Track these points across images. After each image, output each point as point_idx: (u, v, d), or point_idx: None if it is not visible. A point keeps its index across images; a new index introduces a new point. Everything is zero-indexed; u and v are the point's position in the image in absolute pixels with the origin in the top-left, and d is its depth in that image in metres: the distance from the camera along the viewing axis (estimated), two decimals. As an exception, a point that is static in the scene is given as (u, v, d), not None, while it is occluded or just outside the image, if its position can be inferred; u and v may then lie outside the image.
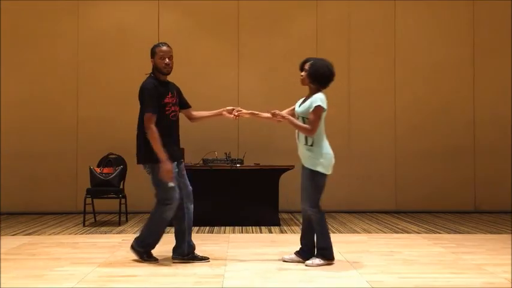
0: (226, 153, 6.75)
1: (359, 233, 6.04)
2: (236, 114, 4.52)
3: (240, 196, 6.52)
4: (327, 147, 4.24)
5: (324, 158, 4.20)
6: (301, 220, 6.95)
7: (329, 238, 4.27)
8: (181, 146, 6.88)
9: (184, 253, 4.31)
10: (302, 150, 4.29)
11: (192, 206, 4.41)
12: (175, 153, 4.27)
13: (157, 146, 4.08)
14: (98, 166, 6.70)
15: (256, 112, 4.62)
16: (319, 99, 4.19)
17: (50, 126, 7.86)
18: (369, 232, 6.07)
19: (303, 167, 4.31)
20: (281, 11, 8.13)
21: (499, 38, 8.15)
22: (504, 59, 8.13)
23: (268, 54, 8.10)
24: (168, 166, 4.08)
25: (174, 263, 4.28)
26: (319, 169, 4.19)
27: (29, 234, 5.89)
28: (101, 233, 5.99)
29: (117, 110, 7.76)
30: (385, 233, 6.03)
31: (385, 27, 8.18)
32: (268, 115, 4.43)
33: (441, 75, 8.17)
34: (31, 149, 7.81)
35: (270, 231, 6.11)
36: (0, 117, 7.84)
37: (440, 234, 5.88)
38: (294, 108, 4.47)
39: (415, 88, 8.15)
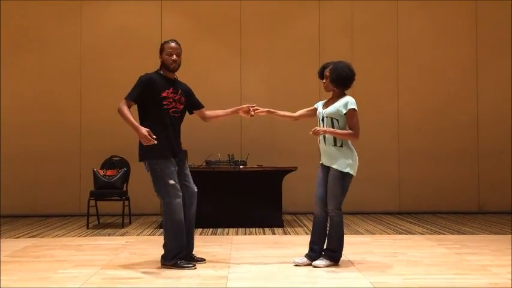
0: (229, 155, 6.75)
1: (362, 234, 6.03)
2: (253, 114, 4.51)
3: (243, 198, 6.51)
4: (353, 147, 4.28)
5: (353, 159, 4.23)
6: (304, 222, 7.01)
7: (343, 243, 4.26)
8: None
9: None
10: (330, 151, 4.23)
11: (194, 207, 4.36)
12: (174, 148, 4.23)
13: (127, 119, 4.06)
14: (102, 168, 6.72)
15: (273, 110, 4.63)
16: (352, 103, 4.23)
17: (54, 128, 7.89)
18: (373, 233, 6.06)
19: (326, 168, 4.26)
20: (283, 11, 8.13)
21: (502, 38, 8.14)
22: (507, 59, 8.11)
23: (271, 55, 8.11)
24: (142, 131, 4.01)
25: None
26: (349, 170, 4.18)
27: (33, 236, 5.91)
28: (104, 235, 6.00)
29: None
30: (389, 234, 6.01)
31: (387, 27, 8.17)
32: (285, 113, 4.69)
33: (444, 75, 8.16)
34: (35, 151, 7.84)
35: (274, 233, 6.11)
36: (4, 120, 7.87)
37: (444, 235, 5.87)
38: (312, 109, 4.51)
39: (418, 88, 8.14)
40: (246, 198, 6.52)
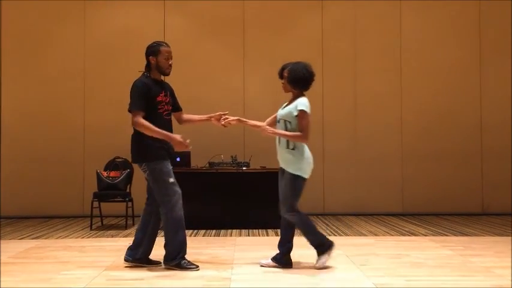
0: (232, 156, 6.76)
1: (366, 235, 6.02)
2: (223, 123, 4.39)
3: (246, 199, 6.51)
4: (307, 151, 4.23)
5: (306, 162, 4.18)
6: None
7: (318, 233, 4.24)
8: (188, 151, 6.94)
9: (137, 256, 4.24)
10: (283, 154, 4.25)
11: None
12: (169, 150, 4.24)
13: (155, 131, 4.07)
14: (105, 170, 6.73)
15: (244, 119, 4.53)
16: (302, 104, 4.18)
17: (57, 130, 7.90)
18: (376, 235, 6.05)
19: (282, 170, 4.29)
20: (286, 12, 8.14)
21: (505, 39, 8.11)
22: (511, 60, 8.08)
23: (274, 56, 8.09)
24: (177, 138, 4.07)
25: (125, 262, 4.24)
26: (300, 173, 4.16)
27: (37, 237, 5.92)
28: (107, 236, 6.01)
29: (123, 113, 7.69)
30: (392, 235, 6.00)
31: (390, 28, 8.16)
32: (256, 123, 4.44)
33: (448, 76, 8.14)
34: (38, 152, 7.85)
35: (277, 234, 6.08)
36: (8, 121, 7.89)
37: (447, 237, 5.85)
38: (275, 116, 4.45)
39: (421, 90, 8.13)
40: (249, 199, 6.52)
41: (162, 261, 4.22)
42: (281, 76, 4.39)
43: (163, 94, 4.24)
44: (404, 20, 8.17)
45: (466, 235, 5.99)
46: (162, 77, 4.37)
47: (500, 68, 8.12)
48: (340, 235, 6.03)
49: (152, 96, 4.16)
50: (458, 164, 8.05)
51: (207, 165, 6.70)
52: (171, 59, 4.30)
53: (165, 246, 4.17)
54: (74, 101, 7.95)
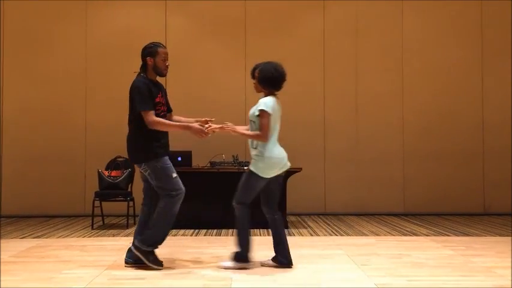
0: (233, 156, 6.76)
1: (367, 235, 6.02)
2: (206, 131, 4.21)
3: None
4: (271, 151, 4.15)
5: (265, 161, 4.12)
6: (308, 223, 7.01)
7: (248, 240, 4.19)
8: (189, 149, 6.95)
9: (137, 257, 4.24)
10: (251, 152, 4.24)
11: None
12: (167, 149, 4.26)
13: (172, 125, 4.17)
14: (106, 169, 6.73)
15: (228, 126, 4.29)
16: (262, 103, 4.14)
17: (59, 129, 7.91)
18: (377, 235, 6.05)
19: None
20: (288, 12, 8.14)
21: (507, 38, 8.11)
22: (513, 60, 8.09)
23: (276, 56, 7.98)
24: (195, 126, 4.11)
25: (126, 265, 4.23)
26: (256, 171, 4.14)
27: (38, 237, 5.92)
28: (109, 235, 6.02)
29: (125, 113, 7.70)
30: (394, 235, 6.00)
31: (392, 28, 8.16)
32: (218, 126, 4.28)
33: (449, 76, 8.13)
34: (39, 151, 7.86)
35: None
36: (10, 120, 7.91)
37: (449, 237, 5.85)
38: None
39: (423, 90, 8.12)
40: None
41: (134, 243, 4.20)
42: (253, 76, 4.36)
43: (160, 95, 4.26)
44: (405, 20, 8.17)
45: (468, 235, 5.99)
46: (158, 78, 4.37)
47: (501, 67, 8.11)
48: (342, 235, 6.03)
49: (152, 97, 4.16)
50: (460, 164, 8.05)
51: (209, 164, 6.70)
52: (168, 60, 4.30)
53: (149, 228, 4.15)
54: (76, 100, 7.96)
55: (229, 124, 4.26)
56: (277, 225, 4.29)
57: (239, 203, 4.19)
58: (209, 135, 4.17)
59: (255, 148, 4.18)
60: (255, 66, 4.40)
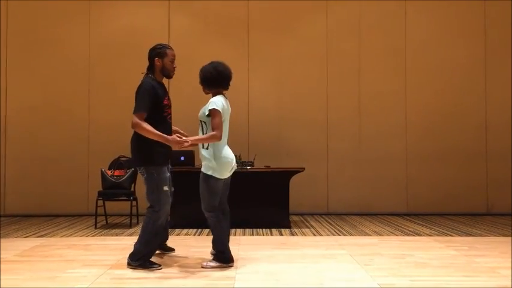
0: (236, 156, 6.72)
1: (370, 235, 6.01)
2: (183, 143, 4.08)
3: (251, 198, 6.51)
4: (223, 151, 4.16)
5: (217, 161, 4.12)
6: (311, 223, 7.01)
7: (226, 241, 4.23)
8: (192, 149, 6.95)
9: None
10: (200, 153, 4.21)
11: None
12: (170, 154, 4.27)
13: (152, 133, 4.02)
14: (109, 169, 6.74)
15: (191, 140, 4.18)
16: (212, 102, 4.11)
17: (62, 129, 7.93)
18: (380, 235, 6.05)
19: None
20: (291, 12, 8.13)
21: (511, 38, 8.08)
22: (516, 60, 8.07)
23: (278, 56, 8.11)
24: (173, 139, 4.00)
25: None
26: (211, 173, 4.12)
27: (42, 236, 5.94)
28: (112, 235, 6.03)
29: (128, 112, 7.73)
30: (397, 235, 5.99)
31: (395, 28, 8.15)
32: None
33: (452, 76, 8.12)
34: (43, 151, 7.88)
35: (281, 234, 6.11)
36: (13, 120, 7.93)
37: (452, 237, 5.84)
38: None
39: (426, 90, 8.11)
40: (253, 199, 6.52)
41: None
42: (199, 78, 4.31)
43: (167, 98, 4.26)
44: (409, 20, 8.16)
45: (471, 235, 5.98)
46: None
47: (505, 67, 8.09)
48: (344, 235, 6.03)
49: (158, 99, 4.16)
50: (463, 164, 8.03)
51: (212, 164, 6.70)
52: (175, 62, 4.30)
53: (135, 244, 4.19)
54: (79, 99, 7.98)
55: (183, 139, 4.05)
56: (223, 224, 4.30)
57: (211, 211, 4.17)
58: (187, 143, 4.00)
59: (206, 149, 4.13)
60: (201, 67, 4.33)
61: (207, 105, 4.14)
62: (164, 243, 4.57)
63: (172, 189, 4.41)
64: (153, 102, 4.12)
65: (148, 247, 4.16)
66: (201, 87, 4.29)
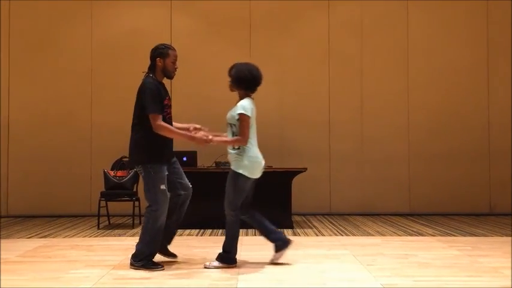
0: (239, 156, 6.75)
1: (373, 235, 6.00)
2: (209, 140, 4.19)
3: (253, 199, 6.49)
4: (253, 152, 4.20)
5: (249, 160, 4.15)
6: (314, 223, 7.00)
7: (236, 243, 4.24)
8: (195, 149, 6.96)
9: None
10: (230, 154, 4.23)
11: (188, 202, 4.37)
12: (170, 153, 4.26)
13: (176, 133, 4.14)
14: (112, 169, 6.75)
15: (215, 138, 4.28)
16: (241, 107, 4.14)
17: (64, 130, 7.94)
18: (383, 235, 6.04)
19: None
20: (293, 12, 8.13)
21: (513, 38, 8.07)
22: (519, 60, 8.04)
23: (280, 55, 8.11)
24: (199, 137, 4.11)
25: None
26: (242, 171, 4.14)
27: (44, 236, 5.95)
28: (115, 235, 6.04)
29: (130, 113, 7.74)
30: (400, 235, 5.98)
31: (397, 27, 8.14)
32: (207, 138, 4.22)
33: (455, 76, 8.10)
34: (46, 152, 7.90)
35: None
36: (16, 121, 7.94)
37: (455, 237, 5.83)
38: None
39: (428, 90, 8.10)
40: (255, 199, 6.44)
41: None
42: (229, 74, 4.35)
43: (167, 98, 4.26)
44: (411, 20, 8.15)
45: (474, 235, 5.96)
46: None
47: (508, 67, 8.07)
48: (347, 235, 6.02)
49: (161, 99, 4.17)
50: (466, 164, 8.02)
51: (214, 164, 6.70)
52: (176, 62, 4.31)
53: (137, 245, 4.18)
54: (81, 100, 7.99)
55: (210, 138, 4.16)
56: (259, 219, 4.34)
57: (234, 210, 4.19)
58: (212, 141, 4.14)
59: (238, 148, 4.16)
60: (233, 65, 4.40)
61: (234, 108, 4.18)
62: (166, 247, 4.41)
63: (190, 184, 4.37)
64: (160, 101, 4.14)
65: (150, 247, 4.15)
66: (229, 83, 4.33)
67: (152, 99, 4.08)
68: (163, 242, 4.31)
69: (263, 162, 4.27)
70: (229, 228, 4.23)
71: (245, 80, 4.24)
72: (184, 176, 4.37)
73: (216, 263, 4.21)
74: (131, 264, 4.18)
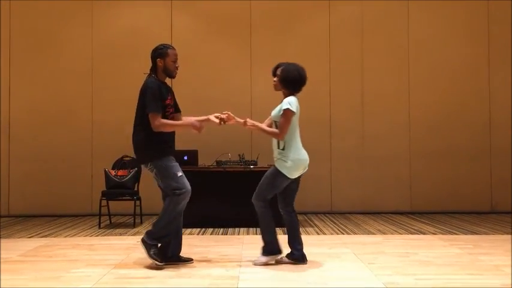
0: (239, 155, 6.76)
1: (374, 234, 6.00)
2: (223, 118, 4.29)
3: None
4: (297, 152, 4.24)
5: (292, 161, 4.20)
6: (315, 222, 7.00)
7: (273, 232, 4.28)
8: (195, 148, 6.96)
9: (167, 255, 4.27)
10: (275, 153, 4.29)
11: (185, 205, 4.33)
12: (173, 151, 4.30)
13: (176, 125, 4.25)
14: (113, 168, 6.75)
15: (240, 120, 4.37)
16: (287, 102, 4.20)
17: (65, 129, 7.95)
18: (384, 233, 6.04)
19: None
20: (293, 11, 8.12)
21: (514, 36, 8.06)
22: (520, 58, 8.03)
23: (281, 55, 8.03)
24: (196, 123, 4.20)
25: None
26: (284, 171, 4.20)
27: (46, 236, 5.95)
28: (116, 234, 6.04)
29: (131, 112, 7.74)
30: (401, 234, 5.98)
31: (398, 27, 8.13)
32: (241, 121, 4.37)
33: (456, 75, 8.10)
34: (46, 151, 7.90)
35: (284, 233, 6.08)
36: (16, 120, 7.95)
37: (456, 235, 5.83)
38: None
39: (429, 88, 8.09)
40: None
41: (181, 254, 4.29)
42: (274, 74, 4.40)
43: (170, 97, 4.29)
44: (411, 19, 8.14)
45: (475, 233, 5.96)
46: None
47: (508, 65, 8.06)
48: (348, 233, 6.02)
49: (162, 99, 4.20)
50: (467, 162, 8.01)
51: (215, 163, 6.71)
52: (177, 61, 4.33)
53: (154, 224, 4.21)
54: (82, 100, 7.99)
55: (248, 120, 4.30)
56: (294, 222, 4.34)
57: (261, 200, 4.22)
58: (203, 129, 4.23)
59: (282, 149, 4.22)
60: (277, 64, 4.45)
61: (280, 105, 4.24)
62: (179, 255, 4.37)
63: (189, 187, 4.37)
64: (160, 101, 4.18)
65: (167, 228, 4.17)
66: (274, 82, 4.37)
67: (152, 98, 4.13)
68: (174, 250, 4.31)
69: (307, 162, 4.31)
70: (262, 220, 4.27)
71: (294, 80, 4.29)
72: None
73: (263, 258, 4.24)
74: (143, 240, 4.16)
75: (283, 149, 4.22)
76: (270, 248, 4.26)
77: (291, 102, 4.19)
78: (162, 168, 4.16)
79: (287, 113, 4.17)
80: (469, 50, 8.10)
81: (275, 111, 4.28)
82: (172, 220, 4.19)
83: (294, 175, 4.24)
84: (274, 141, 4.28)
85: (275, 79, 4.37)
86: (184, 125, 4.32)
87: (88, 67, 8.02)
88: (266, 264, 4.22)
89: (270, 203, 4.26)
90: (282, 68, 4.35)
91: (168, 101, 4.24)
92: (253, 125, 4.30)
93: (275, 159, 4.30)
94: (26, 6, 8.01)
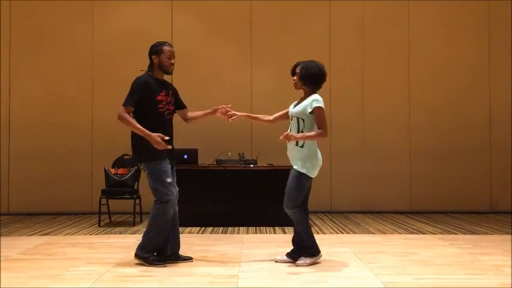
0: (239, 154, 6.76)
1: (373, 233, 6.00)
2: (230, 120, 4.45)
3: (254, 197, 6.52)
4: (316, 150, 4.28)
5: (313, 160, 4.23)
6: (315, 221, 7.00)
7: (313, 236, 4.31)
8: (195, 147, 6.95)
9: (167, 254, 4.28)
10: (292, 151, 4.30)
11: (176, 207, 4.37)
12: (169, 152, 4.27)
13: (135, 127, 4.15)
14: (113, 167, 6.75)
15: (254, 115, 4.58)
16: (318, 100, 4.21)
17: (65, 127, 7.95)
18: (384, 233, 6.04)
19: (292, 168, 4.32)
20: (294, 10, 8.12)
21: (515, 36, 8.06)
22: (520, 57, 8.03)
23: (281, 54, 8.09)
24: (154, 137, 4.09)
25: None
26: (305, 171, 4.21)
27: (45, 234, 5.96)
28: (116, 233, 6.04)
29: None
30: (400, 233, 5.98)
31: (398, 26, 8.13)
32: (261, 117, 4.62)
33: (456, 73, 8.09)
34: (47, 150, 7.90)
35: (284, 232, 6.11)
36: (17, 119, 7.95)
37: (456, 235, 5.83)
38: (287, 111, 4.50)
39: (429, 87, 8.09)
40: (256, 197, 6.52)
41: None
42: (293, 73, 4.42)
43: (164, 94, 4.28)
44: (412, 18, 8.13)
45: (475, 233, 5.96)
46: (165, 77, 4.41)
47: (509, 65, 8.06)
48: (348, 233, 6.02)
49: (151, 95, 4.21)
50: (467, 162, 8.01)
51: (215, 162, 6.70)
52: (174, 58, 4.35)
53: (144, 235, 4.22)
54: (82, 98, 7.99)
55: (291, 134, 4.22)
56: (306, 220, 4.35)
57: (295, 207, 4.23)
58: (169, 147, 4.14)
59: (301, 147, 4.22)
60: (296, 63, 4.47)
61: (307, 102, 4.24)
62: (177, 253, 4.38)
63: (177, 189, 4.38)
64: (144, 97, 4.18)
65: (158, 238, 4.19)
66: (294, 81, 4.40)
67: (130, 92, 4.21)
68: (173, 249, 4.31)
69: (322, 161, 4.34)
70: (300, 224, 4.27)
71: (315, 77, 4.30)
72: (175, 181, 4.37)
73: (308, 260, 4.23)
74: (136, 255, 4.21)
75: (301, 147, 4.22)
76: (314, 251, 4.27)
77: (319, 100, 4.21)
78: (153, 171, 4.18)
79: (320, 112, 4.18)
80: (469, 50, 8.09)
81: (300, 108, 4.26)
82: (164, 228, 4.19)
83: (314, 174, 4.27)
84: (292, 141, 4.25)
85: (294, 78, 4.38)
86: (143, 132, 4.10)
87: (88, 66, 8.02)
88: (308, 264, 4.21)
89: (303, 205, 4.30)
90: (301, 66, 4.35)
91: (159, 97, 4.24)
92: (297, 138, 4.21)
93: (292, 157, 4.30)
94: (26, 6, 8.00)
